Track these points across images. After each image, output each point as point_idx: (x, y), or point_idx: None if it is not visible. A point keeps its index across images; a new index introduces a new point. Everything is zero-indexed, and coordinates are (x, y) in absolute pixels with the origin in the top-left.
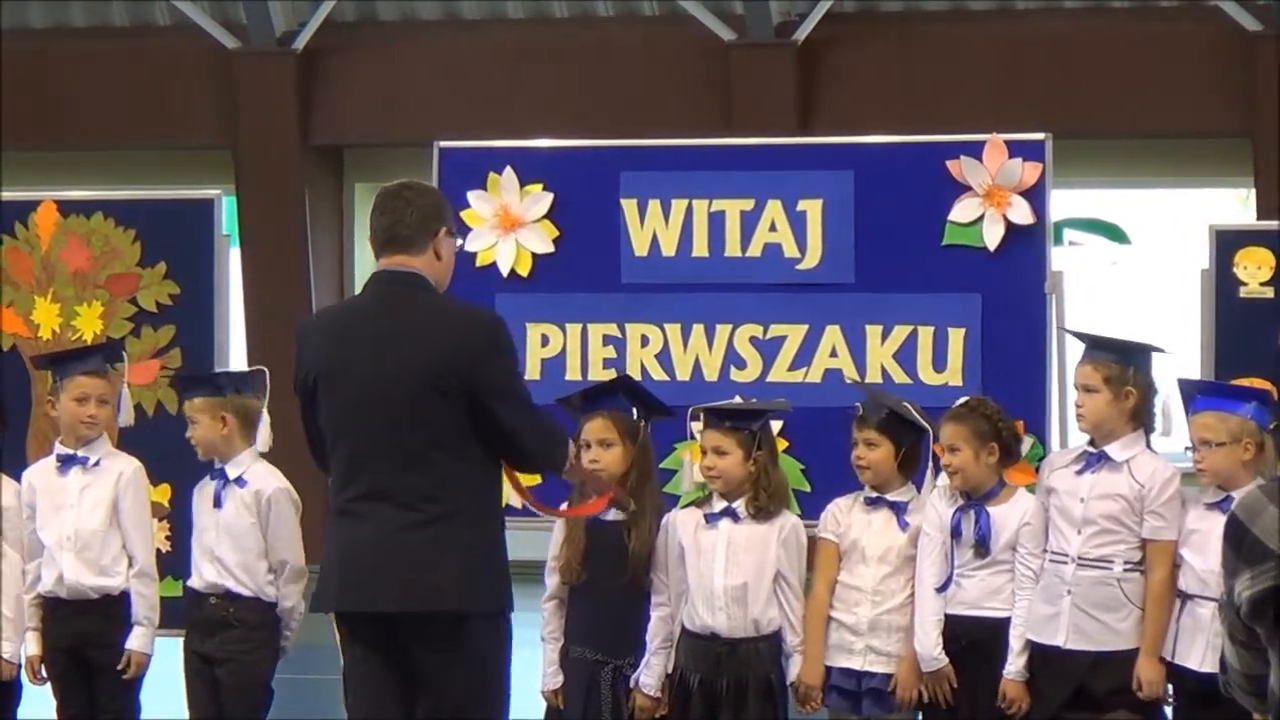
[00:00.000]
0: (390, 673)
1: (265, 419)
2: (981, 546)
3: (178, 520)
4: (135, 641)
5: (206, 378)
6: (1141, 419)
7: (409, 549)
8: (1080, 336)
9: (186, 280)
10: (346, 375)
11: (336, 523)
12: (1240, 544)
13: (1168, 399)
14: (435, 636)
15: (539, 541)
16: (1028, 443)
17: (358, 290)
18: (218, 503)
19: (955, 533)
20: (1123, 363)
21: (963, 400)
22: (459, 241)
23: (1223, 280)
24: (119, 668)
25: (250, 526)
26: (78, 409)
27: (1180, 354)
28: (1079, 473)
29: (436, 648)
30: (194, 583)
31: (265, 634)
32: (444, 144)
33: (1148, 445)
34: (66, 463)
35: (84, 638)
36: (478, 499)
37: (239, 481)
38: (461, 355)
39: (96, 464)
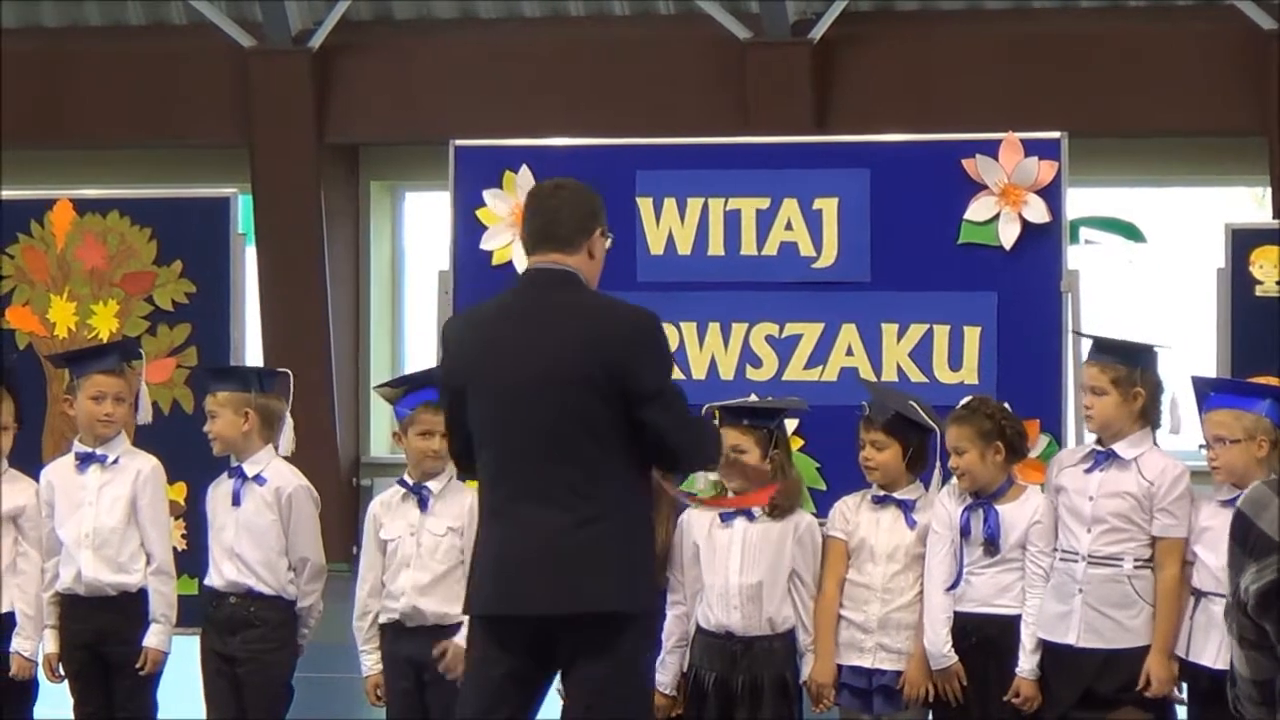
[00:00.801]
0: (513, 679)
1: (289, 422)
2: (990, 545)
3: (194, 519)
4: (153, 639)
5: (233, 371)
6: (1149, 417)
7: (563, 550)
8: (1086, 339)
9: (202, 278)
10: (499, 373)
11: (489, 524)
12: (1246, 538)
13: (1174, 396)
14: (588, 637)
15: None
16: (1043, 441)
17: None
18: (236, 500)
19: (964, 531)
20: (1129, 364)
21: (965, 401)
22: (609, 240)
23: (1238, 279)
24: (136, 665)
25: (271, 524)
26: (94, 407)
27: (1195, 352)
28: (1087, 471)
29: (589, 649)
30: (213, 582)
31: (286, 632)
32: (460, 142)
33: (1154, 443)
34: (85, 461)
35: (102, 635)
36: (629, 497)
37: (258, 479)
38: (613, 353)
39: (115, 462)
